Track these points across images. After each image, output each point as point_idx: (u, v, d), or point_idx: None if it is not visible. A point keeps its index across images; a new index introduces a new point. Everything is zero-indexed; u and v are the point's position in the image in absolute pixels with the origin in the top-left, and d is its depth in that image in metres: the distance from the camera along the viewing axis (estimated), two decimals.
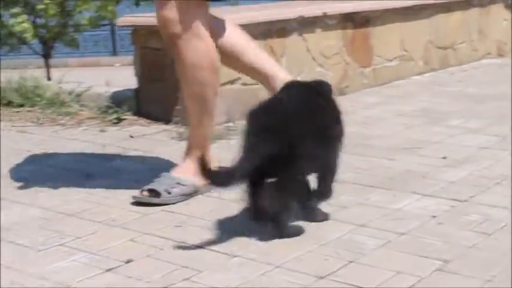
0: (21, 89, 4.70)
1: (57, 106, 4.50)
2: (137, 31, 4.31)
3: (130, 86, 4.43)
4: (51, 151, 3.62)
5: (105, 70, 10.20)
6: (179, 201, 2.81)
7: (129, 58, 5.18)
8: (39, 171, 3.27)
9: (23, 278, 2.18)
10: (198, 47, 2.81)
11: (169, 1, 2.76)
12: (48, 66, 8.10)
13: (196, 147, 2.93)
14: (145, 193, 2.81)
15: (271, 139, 2.34)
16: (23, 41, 7.94)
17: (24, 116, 4.39)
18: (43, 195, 2.94)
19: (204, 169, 2.32)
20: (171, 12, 2.77)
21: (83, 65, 12.13)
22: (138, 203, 2.80)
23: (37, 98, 4.60)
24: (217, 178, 2.39)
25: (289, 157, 2.37)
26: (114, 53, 15.33)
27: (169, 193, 2.80)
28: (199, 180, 2.87)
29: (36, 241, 2.46)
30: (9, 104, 4.61)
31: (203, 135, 2.95)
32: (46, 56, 8.27)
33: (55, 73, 7.59)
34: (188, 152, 2.95)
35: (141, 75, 4.35)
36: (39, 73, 5.35)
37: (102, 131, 4.03)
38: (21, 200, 2.89)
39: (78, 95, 4.55)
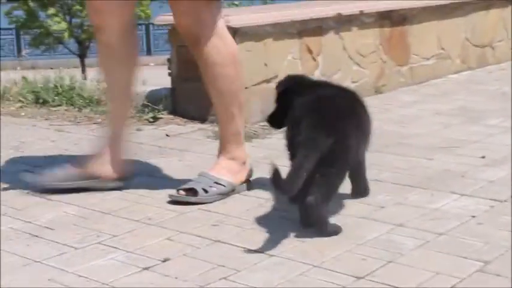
0: (58, 89, 4.74)
1: (94, 105, 4.52)
2: (174, 30, 4.31)
3: (165, 85, 4.44)
4: (87, 150, 3.63)
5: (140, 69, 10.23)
6: (216, 200, 2.80)
7: (163, 58, 5.20)
8: None
9: (61, 275, 2.19)
10: (218, 46, 2.83)
11: (187, 2, 2.78)
12: (83, 66, 8.17)
13: (230, 143, 2.92)
14: (182, 192, 2.80)
15: (326, 135, 2.36)
16: (59, 41, 8.01)
17: (61, 115, 4.42)
18: (80, 193, 2.95)
19: (277, 180, 2.28)
20: (190, 14, 2.79)
21: None
22: (174, 201, 2.79)
23: (74, 97, 4.63)
24: (286, 187, 2.33)
25: (336, 152, 2.38)
26: (149, 52, 15.40)
27: (206, 192, 2.79)
28: (235, 179, 2.87)
29: (74, 239, 2.47)
30: (45, 103, 4.65)
31: (235, 131, 2.93)
32: (82, 55, 8.34)
33: (90, 72, 7.66)
34: (221, 150, 2.95)
35: (177, 74, 4.35)
36: (75, 73, 5.39)
37: (138, 129, 4.04)
38: (57, 198, 2.90)
39: None
